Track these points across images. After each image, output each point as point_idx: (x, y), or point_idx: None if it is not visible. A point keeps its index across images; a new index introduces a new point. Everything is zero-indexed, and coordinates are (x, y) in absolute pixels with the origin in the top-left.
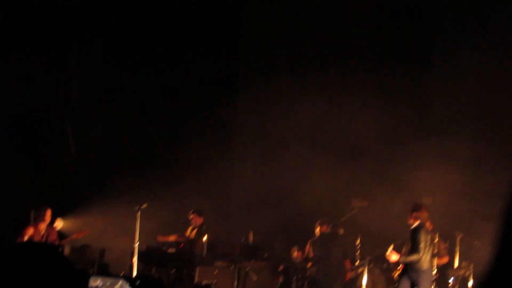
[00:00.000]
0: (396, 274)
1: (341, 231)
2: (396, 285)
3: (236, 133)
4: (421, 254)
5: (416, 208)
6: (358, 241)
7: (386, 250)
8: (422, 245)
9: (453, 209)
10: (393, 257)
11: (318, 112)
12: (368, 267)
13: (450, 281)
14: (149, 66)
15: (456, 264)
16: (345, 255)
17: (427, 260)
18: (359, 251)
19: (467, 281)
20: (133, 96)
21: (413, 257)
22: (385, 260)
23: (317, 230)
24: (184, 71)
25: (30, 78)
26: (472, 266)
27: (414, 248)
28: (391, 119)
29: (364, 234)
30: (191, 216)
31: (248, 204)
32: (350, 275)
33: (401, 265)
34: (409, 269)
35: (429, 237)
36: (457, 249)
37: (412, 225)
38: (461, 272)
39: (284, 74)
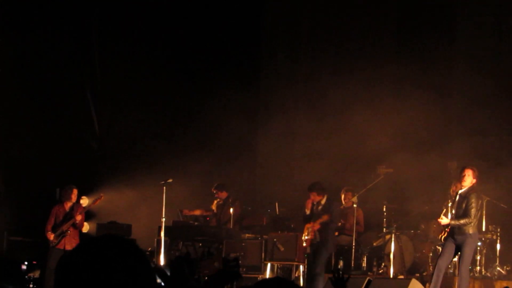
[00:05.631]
0: (443, 236)
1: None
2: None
3: (261, 105)
4: (472, 218)
5: (467, 171)
6: (384, 208)
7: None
8: (474, 210)
9: (478, 172)
10: (444, 220)
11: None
12: (395, 234)
13: (479, 244)
14: (169, 37)
15: (483, 227)
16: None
17: (475, 224)
18: (385, 218)
19: (495, 244)
20: (156, 72)
21: (464, 221)
22: (412, 226)
23: (342, 197)
24: (206, 41)
25: (52, 55)
26: (499, 229)
27: (466, 212)
28: (409, 80)
29: (390, 201)
30: (214, 191)
31: (272, 176)
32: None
33: (447, 228)
34: (456, 232)
35: (480, 202)
36: (484, 212)
37: (461, 188)
38: (489, 235)
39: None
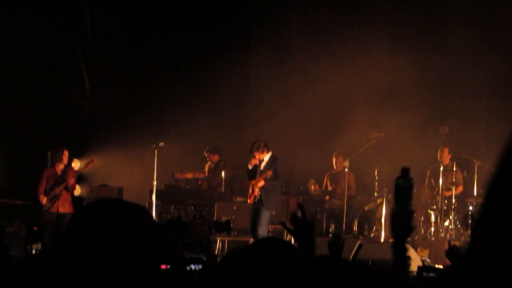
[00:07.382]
0: None
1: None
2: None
3: (252, 72)
4: None
5: None
6: (375, 172)
7: None
8: None
9: (470, 137)
10: None
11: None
12: (386, 198)
13: (470, 208)
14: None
15: (475, 192)
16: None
17: None
18: (376, 182)
19: None
20: (148, 34)
21: None
22: None
23: (334, 161)
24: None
25: (44, 18)
26: None
27: None
28: (403, 53)
29: (381, 165)
30: (206, 154)
31: (264, 139)
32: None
33: None
34: None
35: None
36: (475, 177)
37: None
38: (480, 200)
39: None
